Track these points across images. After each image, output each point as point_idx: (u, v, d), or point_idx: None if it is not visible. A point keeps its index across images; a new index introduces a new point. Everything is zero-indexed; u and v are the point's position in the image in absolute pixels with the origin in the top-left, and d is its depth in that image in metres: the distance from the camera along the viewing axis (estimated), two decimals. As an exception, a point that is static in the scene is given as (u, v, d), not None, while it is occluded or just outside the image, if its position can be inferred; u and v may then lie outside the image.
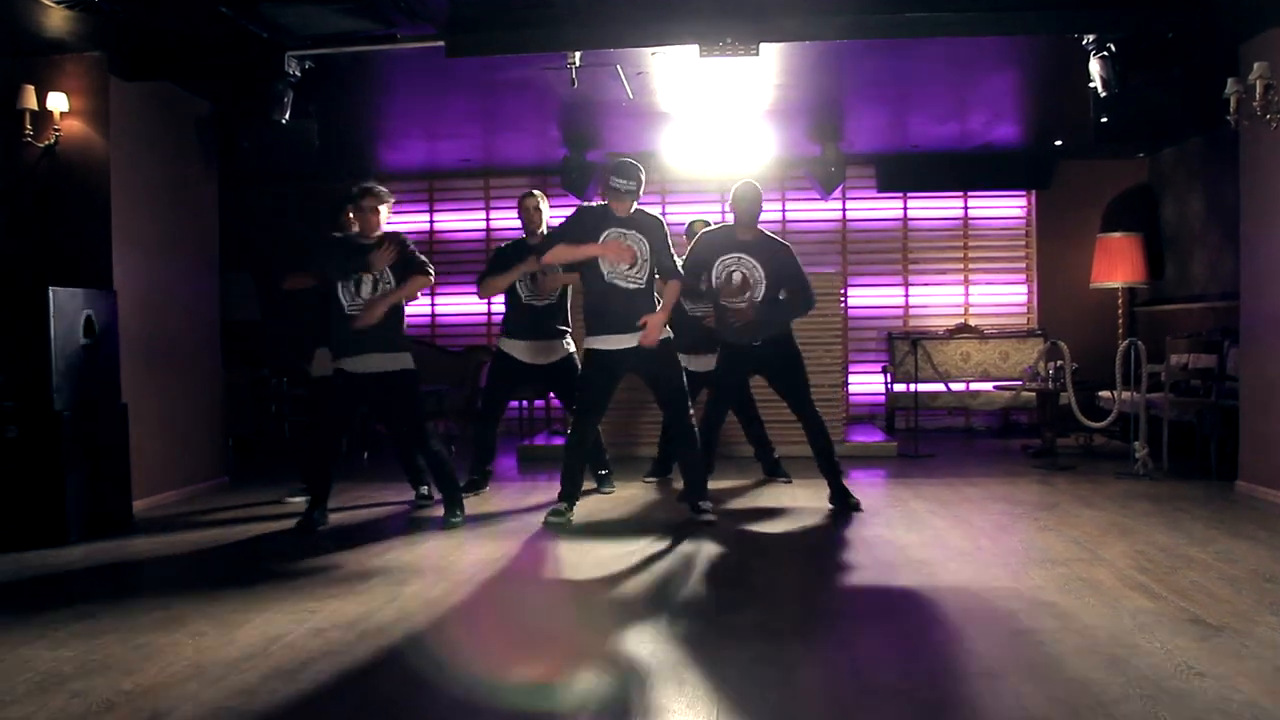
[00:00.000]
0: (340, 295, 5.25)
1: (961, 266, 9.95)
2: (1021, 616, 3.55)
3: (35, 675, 3.04)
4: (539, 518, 5.42)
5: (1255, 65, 5.39)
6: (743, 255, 5.62)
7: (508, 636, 3.47)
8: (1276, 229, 5.66)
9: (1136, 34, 5.48)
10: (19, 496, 4.99)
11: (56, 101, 5.73)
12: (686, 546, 4.74)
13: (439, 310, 10.36)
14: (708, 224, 6.46)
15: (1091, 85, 5.63)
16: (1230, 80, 5.59)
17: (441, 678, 3.04)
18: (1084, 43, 5.56)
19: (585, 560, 4.54)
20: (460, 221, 10.28)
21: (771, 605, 3.81)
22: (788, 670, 3.05)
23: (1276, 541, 4.62)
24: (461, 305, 10.28)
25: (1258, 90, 5.42)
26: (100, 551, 4.85)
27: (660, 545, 4.78)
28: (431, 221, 10.29)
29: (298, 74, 5.93)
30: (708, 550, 4.67)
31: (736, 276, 5.59)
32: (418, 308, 10.28)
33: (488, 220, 10.23)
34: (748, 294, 5.56)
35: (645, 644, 3.31)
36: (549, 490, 6.57)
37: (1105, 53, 5.50)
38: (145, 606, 3.85)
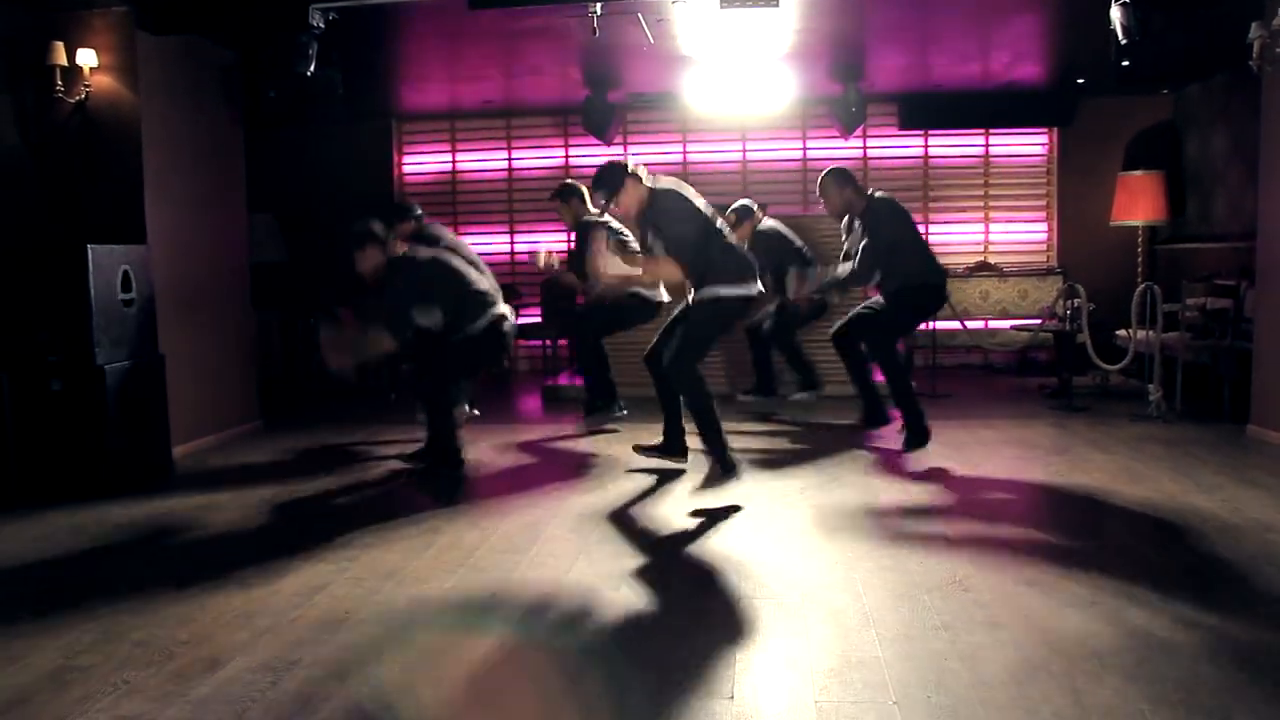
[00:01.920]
0: None
1: (982, 204, 9.95)
2: (1027, 566, 3.71)
3: (98, 625, 3.27)
4: (564, 458, 5.61)
5: (1280, 10, 5.36)
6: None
7: (541, 582, 3.66)
8: (1295, 176, 5.68)
9: (1159, -22, 5.45)
10: (64, 447, 5.21)
11: (86, 57, 5.82)
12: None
13: (462, 251, 10.44)
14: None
15: (1112, 30, 5.61)
16: (1254, 24, 5.55)
17: (479, 625, 3.24)
18: (1106, -11, 5.53)
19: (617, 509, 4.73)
20: (482, 162, 10.34)
21: (772, 555, 3.98)
22: (803, 625, 3.23)
23: (1283, 489, 4.76)
24: (484, 244, 10.36)
25: (1281, 36, 5.40)
26: (144, 500, 5.06)
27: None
28: (454, 162, 10.35)
29: (321, 25, 5.98)
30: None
31: None
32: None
33: (510, 160, 10.28)
34: None
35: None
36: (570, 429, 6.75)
37: (1127, 1, 5.48)
38: (192, 556, 4.08)
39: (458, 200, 10.37)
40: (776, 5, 5.55)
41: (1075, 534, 4.11)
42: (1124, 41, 5.54)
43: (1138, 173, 8.91)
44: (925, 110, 9.60)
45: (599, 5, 5.77)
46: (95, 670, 2.90)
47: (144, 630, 3.22)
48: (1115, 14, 5.54)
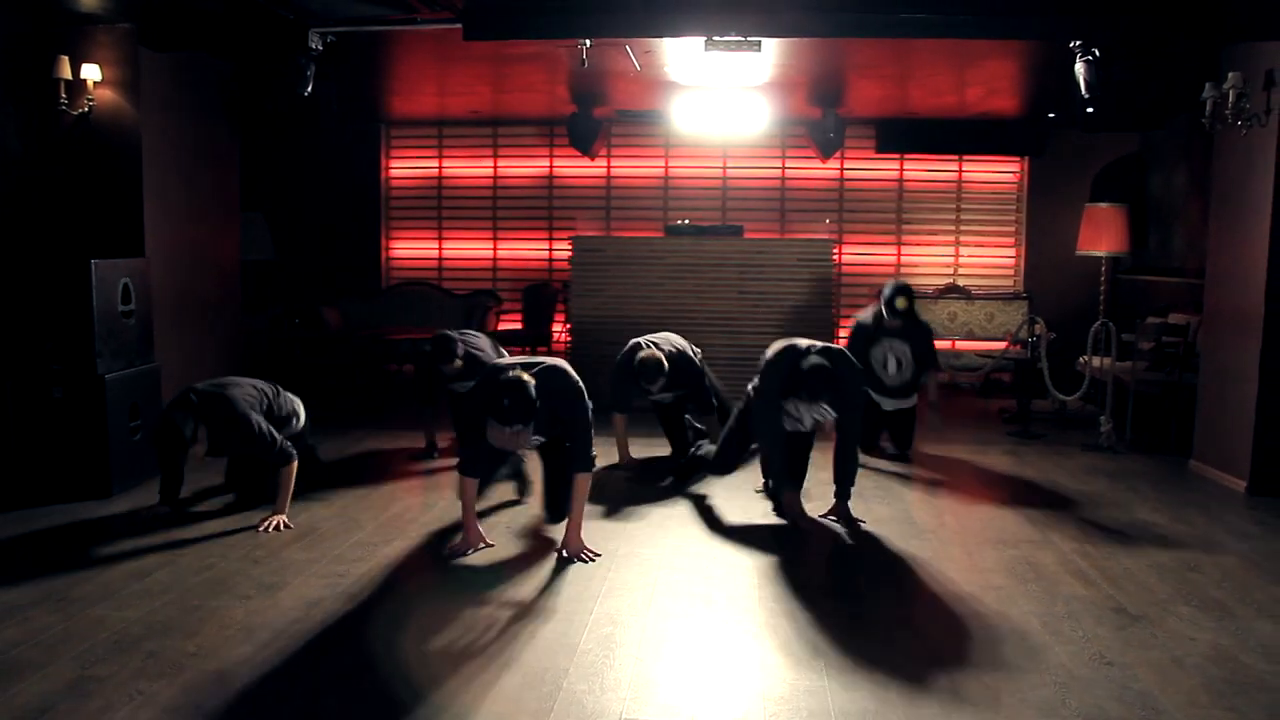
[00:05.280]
0: None
1: (954, 228, 10.29)
2: (968, 599, 4.03)
3: (110, 635, 3.53)
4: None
5: (1229, 75, 5.69)
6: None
7: (520, 608, 3.94)
8: (1240, 230, 6.01)
9: (1119, 41, 5.79)
10: (65, 452, 5.45)
11: (90, 72, 6.04)
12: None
13: (446, 253, 10.70)
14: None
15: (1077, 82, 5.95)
16: (1208, 85, 5.89)
17: (467, 640, 3.52)
18: (1070, 45, 5.85)
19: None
20: (468, 168, 10.58)
21: (732, 583, 4.28)
22: (758, 653, 3.53)
23: (1212, 529, 5.08)
24: (468, 250, 10.64)
25: (1230, 99, 5.74)
26: (140, 505, 5.29)
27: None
28: (440, 168, 10.58)
29: (319, 48, 6.22)
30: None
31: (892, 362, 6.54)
32: (424, 251, 10.67)
33: (495, 168, 10.53)
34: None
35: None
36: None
37: (1090, 57, 5.80)
38: (191, 567, 4.32)
39: (443, 205, 10.61)
40: (759, 49, 5.84)
41: (1015, 567, 4.43)
42: (1087, 96, 5.90)
43: (1104, 204, 9.22)
44: (901, 135, 9.94)
45: (588, 39, 6.06)
46: (111, 680, 3.16)
47: (154, 641, 3.48)
48: (1079, 69, 5.88)
